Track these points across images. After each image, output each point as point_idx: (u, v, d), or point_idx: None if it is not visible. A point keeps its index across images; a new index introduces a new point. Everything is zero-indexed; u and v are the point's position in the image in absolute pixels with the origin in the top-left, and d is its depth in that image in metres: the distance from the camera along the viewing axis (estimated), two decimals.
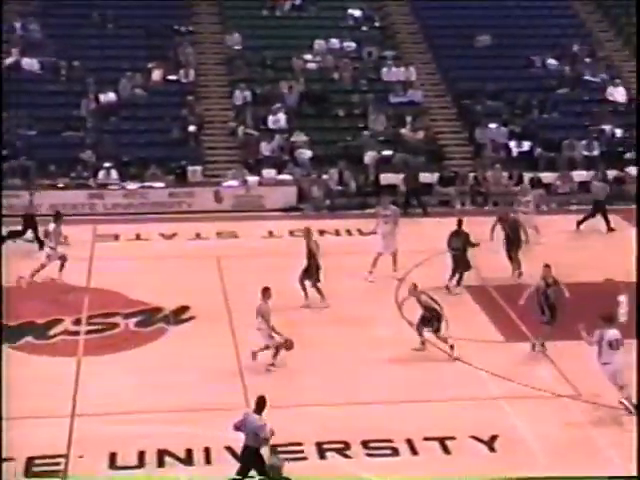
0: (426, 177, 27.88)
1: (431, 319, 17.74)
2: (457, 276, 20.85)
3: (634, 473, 13.85)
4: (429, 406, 15.90)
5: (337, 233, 25.01)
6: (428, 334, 17.86)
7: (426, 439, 14.79)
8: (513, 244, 21.47)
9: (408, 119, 29.77)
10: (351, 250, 23.41)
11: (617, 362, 15.47)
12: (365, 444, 14.62)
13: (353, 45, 32.81)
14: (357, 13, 34.23)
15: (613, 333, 15.57)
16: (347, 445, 14.58)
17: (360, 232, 24.82)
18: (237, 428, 13.29)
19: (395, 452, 14.51)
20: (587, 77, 31.84)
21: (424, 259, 22.37)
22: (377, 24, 34.17)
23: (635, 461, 13.48)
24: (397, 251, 21.57)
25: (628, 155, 28.65)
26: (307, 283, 19.89)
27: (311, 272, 19.77)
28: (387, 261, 21.70)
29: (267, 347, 17.09)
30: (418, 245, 23.19)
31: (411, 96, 30.92)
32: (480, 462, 14.33)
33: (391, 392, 16.32)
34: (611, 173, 27.96)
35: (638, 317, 17.58)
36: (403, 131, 29.44)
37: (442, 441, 14.76)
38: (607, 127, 29.78)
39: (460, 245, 20.74)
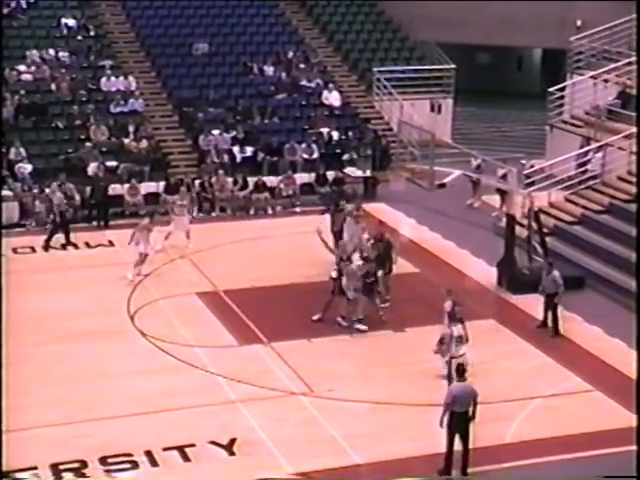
0: (151, 186, 27.76)
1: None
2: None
3: (362, 457, 14.56)
4: (167, 415, 15.88)
5: (63, 247, 24.38)
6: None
7: (165, 449, 14.79)
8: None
9: (130, 128, 29.49)
10: (80, 263, 23.01)
11: None
12: (103, 460, 14.41)
13: (69, 55, 32.11)
14: (71, 22, 33.46)
15: None
16: (84, 464, 14.32)
17: (87, 245, 24.39)
18: (448, 405, 14.04)
19: (135, 465, 14.41)
20: (303, 82, 32.77)
21: (154, 269, 22.35)
22: (92, 33, 33.55)
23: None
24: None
25: (346, 157, 29.80)
26: None
27: None
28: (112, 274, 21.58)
29: None
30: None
31: (132, 105, 30.62)
32: (220, 467, 14.53)
33: (127, 405, 16.14)
34: (330, 174, 28.99)
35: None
36: (126, 141, 29.15)
37: (182, 449, 14.80)
38: (324, 130, 30.83)
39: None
